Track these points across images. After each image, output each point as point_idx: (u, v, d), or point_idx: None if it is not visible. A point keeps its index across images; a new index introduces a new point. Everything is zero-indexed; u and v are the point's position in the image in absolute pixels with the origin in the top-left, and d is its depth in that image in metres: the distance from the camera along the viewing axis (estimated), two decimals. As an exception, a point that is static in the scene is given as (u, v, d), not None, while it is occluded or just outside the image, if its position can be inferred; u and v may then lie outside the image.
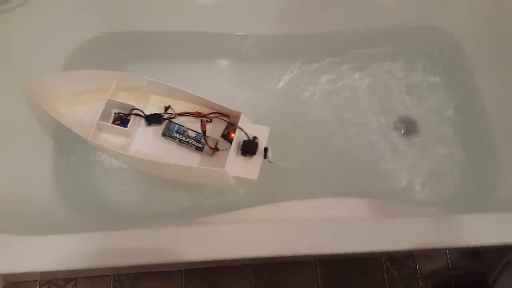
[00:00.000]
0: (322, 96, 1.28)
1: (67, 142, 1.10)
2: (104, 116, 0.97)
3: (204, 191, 1.11)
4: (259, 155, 0.94)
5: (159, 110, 1.01)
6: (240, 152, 0.94)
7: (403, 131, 1.26)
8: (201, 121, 0.98)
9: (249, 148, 0.94)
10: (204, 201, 1.10)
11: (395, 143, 1.24)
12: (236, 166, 0.93)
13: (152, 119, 0.99)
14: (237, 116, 0.96)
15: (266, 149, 0.93)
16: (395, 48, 1.35)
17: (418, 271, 1.27)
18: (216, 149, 0.98)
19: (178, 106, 1.01)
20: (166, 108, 1.00)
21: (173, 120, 1.00)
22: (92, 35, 1.19)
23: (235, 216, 0.93)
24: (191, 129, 0.99)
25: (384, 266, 1.26)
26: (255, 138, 0.95)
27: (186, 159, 0.98)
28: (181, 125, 0.99)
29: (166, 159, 0.97)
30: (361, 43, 1.33)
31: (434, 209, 1.04)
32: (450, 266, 1.27)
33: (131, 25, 1.21)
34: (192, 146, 0.97)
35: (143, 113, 0.98)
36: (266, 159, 0.94)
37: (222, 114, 1.00)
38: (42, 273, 1.13)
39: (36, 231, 0.78)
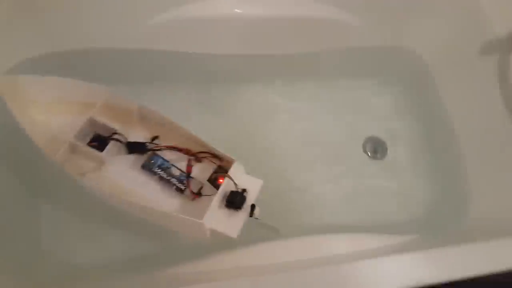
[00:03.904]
0: (286, 120, 1.21)
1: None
2: (81, 134, 0.85)
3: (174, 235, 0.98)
4: (244, 211, 0.83)
5: (145, 138, 0.90)
6: (224, 203, 0.83)
7: (369, 154, 1.20)
8: (188, 160, 0.87)
9: (235, 201, 0.82)
10: (172, 245, 0.97)
11: (363, 164, 1.18)
12: (216, 219, 0.82)
13: (134, 147, 0.88)
14: (230, 161, 0.86)
15: (253, 206, 0.82)
16: (362, 69, 1.31)
17: None
18: (198, 194, 0.86)
19: (167, 139, 0.90)
20: (153, 138, 0.90)
21: (158, 153, 0.89)
22: (28, 55, 1.02)
23: (207, 266, 0.80)
24: (175, 167, 0.87)
25: None
26: (244, 190, 0.84)
27: (162, 199, 0.86)
28: (165, 160, 0.88)
29: (139, 195, 0.85)
30: (327, 64, 1.29)
31: (409, 237, 0.95)
32: None
33: (75, 43, 1.07)
34: (172, 186, 0.86)
35: (125, 139, 0.87)
36: (253, 217, 0.83)
37: (213, 155, 0.89)
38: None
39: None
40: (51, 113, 0.90)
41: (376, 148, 1.20)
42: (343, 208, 1.08)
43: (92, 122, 0.86)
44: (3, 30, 0.95)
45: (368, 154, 1.19)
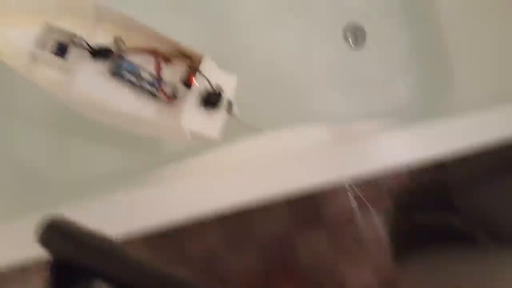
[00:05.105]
0: (257, 13, 1.12)
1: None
2: (40, 44, 0.80)
3: (155, 144, 0.96)
4: (223, 109, 0.80)
5: (107, 42, 0.84)
6: (201, 103, 0.80)
7: (350, 39, 1.15)
8: (157, 62, 0.82)
9: (211, 99, 0.79)
10: (153, 154, 0.96)
11: (343, 53, 1.13)
12: (194, 120, 0.79)
13: (98, 53, 0.82)
14: (200, 59, 0.81)
15: (230, 103, 0.79)
16: None
17: (383, 188, 1.24)
18: (173, 96, 0.82)
19: (132, 41, 0.84)
20: (117, 41, 0.84)
21: (124, 56, 0.83)
22: None
23: (189, 167, 0.81)
24: (145, 70, 0.83)
25: (348, 188, 1.23)
26: (219, 87, 0.80)
27: (136, 105, 0.83)
28: (133, 64, 0.83)
29: (112, 103, 0.82)
30: None
31: (391, 119, 0.94)
32: (412, 177, 1.25)
33: None
34: (145, 91, 0.82)
35: (88, 44, 0.81)
36: (232, 114, 0.80)
37: (183, 54, 0.84)
38: None
39: None
40: (7, 24, 0.84)
41: (356, 35, 1.14)
42: (324, 99, 1.04)
43: (49, 29, 0.80)
44: None
45: (348, 42, 1.13)
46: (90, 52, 0.82)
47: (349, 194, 1.24)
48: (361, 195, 1.24)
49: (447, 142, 0.72)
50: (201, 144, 0.88)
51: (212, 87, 0.79)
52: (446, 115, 0.78)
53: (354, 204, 1.23)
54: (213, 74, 0.80)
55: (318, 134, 0.79)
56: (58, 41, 0.82)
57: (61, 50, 0.81)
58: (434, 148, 0.72)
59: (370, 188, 1.25)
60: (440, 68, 1.05)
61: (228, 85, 0.81)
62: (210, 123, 0.81)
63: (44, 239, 0.29)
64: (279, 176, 0.73)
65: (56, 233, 0.28)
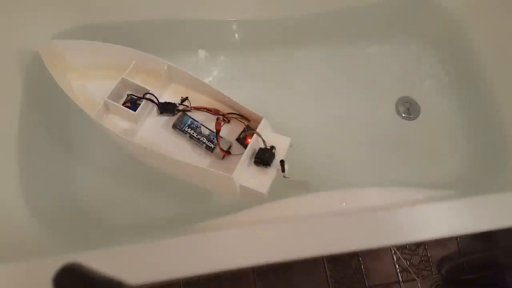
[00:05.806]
0: (311, 84, 1.20)
1: (36, 141, 0.93)
2: (114, 95, 0.89)
3: (205, 195, 1.01)
4: (273, 168, 0.84)
5: (175, 100, 0.92)
6: (253, 160, 0.85)
7: (403, 114, 1.18)
8: (217, 119, 0.89)
9: (264, 157, 0.83)
10: (203, 205, 1.00)
11: (397, 126, 1.16)
12: (246, 175, 0.83)
13: (165, 108, 0.90)
14: (258, 120, 0.87)
15: (282, 162, 0.83)
16: (387, 26, 1.27)
17: (430, 259, 1.22)
18: (228, 152, 0.88)
19: (196, 100, 0.93)
20: (183, 100, 0.92)
21: (188, 113, 0.91)
22: (63, 28, 1.02)
23: (237, 219, 0.83)
24: (205, 126, 0.89)
25: (394, 256, 1.22)
26: (272, 147, 0.85)
27: (193, 157, 0.89)
28: (195, 120, 0.90)
29: (171, 153, 0.88)
30: (351, 22, 1.24)
31: (443, 191, 0.92)
32: (461, 250, 1.23)
33: (108, 15, 1.06)
34: (202, 145, 0.88)
35: (157, 99, 0.90)
36: (281, 173, 0.84)
37: (241, 115, 0.91)
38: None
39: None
40: (87, 78, 0.94)
41: (409, 109, 1.18)
42: (375, 168, 1.07)
43: (124, 83, 0.90)
44: (44, 5, 1.00)
45: (401, 115, 1.17)
46: (158, 107, 0.90)
47: (394, 260, 1.22)
48: (406, 263, 1.21)
49: (499, 217, 0.73)
50: (249, 199, 0.92)
51: (266, 147, 0.84)
52: (500, 190, 0.79)
53: (398, 271, 1.21)
54: (268, 135, 0.86)
55: (369, 197, 0.81)
56: (131, 95, 0.91)
57: (132, 103, 0.90)
58: (485, 223, 0.72)
59: (417, 256, 1.23)
60: (495, 145, 1.06)
61: (281, 146, 0.85)
62: (260, 180, 0.84)
63: (56, 283, 0.31)
64: (325, 235, 0.74)
65: (68, 278, 0.28)
